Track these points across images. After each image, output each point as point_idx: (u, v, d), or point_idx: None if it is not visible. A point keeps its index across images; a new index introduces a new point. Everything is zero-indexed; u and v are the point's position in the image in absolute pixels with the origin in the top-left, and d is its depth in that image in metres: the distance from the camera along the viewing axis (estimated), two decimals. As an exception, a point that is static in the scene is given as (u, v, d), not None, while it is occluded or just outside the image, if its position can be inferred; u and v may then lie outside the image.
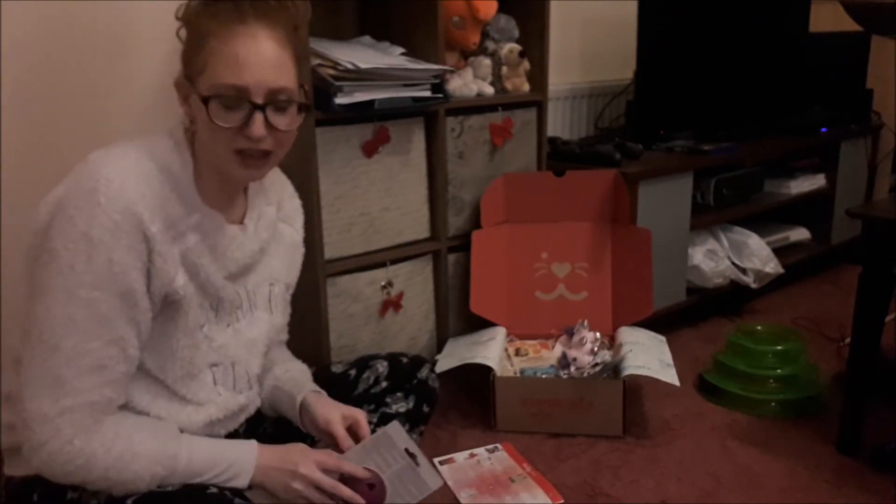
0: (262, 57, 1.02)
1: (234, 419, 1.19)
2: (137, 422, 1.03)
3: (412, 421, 1.37)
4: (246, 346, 1.18)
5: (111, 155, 1.02)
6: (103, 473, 0.98)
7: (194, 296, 1.08)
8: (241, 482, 1.07)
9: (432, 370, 1.48)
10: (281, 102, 1.04)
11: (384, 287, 1.83)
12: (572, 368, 1.84)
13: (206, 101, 1.01)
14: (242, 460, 1.08)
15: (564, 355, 1.87)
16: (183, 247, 1.05)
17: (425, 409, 1.40)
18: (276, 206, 1.23)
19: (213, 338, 1.12)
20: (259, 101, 1.02)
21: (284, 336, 1.38)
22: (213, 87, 1.01)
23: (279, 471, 1.08)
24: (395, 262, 1.85)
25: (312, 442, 1.26)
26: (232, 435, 1.18)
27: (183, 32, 1.07)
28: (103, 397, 0.98)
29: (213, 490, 1.04)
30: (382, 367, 1.42)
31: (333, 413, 1.20)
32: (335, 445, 1.18)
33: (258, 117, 1.02)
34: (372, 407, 1.36)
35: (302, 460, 1.09)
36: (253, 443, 1.11)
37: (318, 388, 1.28)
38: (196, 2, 1.06)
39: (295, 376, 1.30)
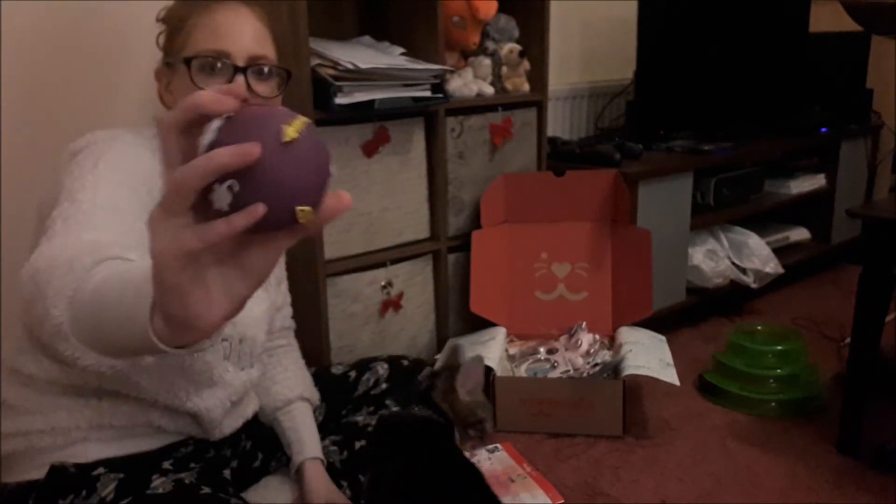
0: (243, 27, 1.05)
1: (242, 404, 1.19)
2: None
3: None
4: (253, 322, 1.17)
5: (110, 131, 1.04)
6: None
7: None
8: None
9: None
10: (262, 68, 1.07)
11: (384, 287, 1.83)
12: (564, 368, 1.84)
13: (188, 62, 1.03)
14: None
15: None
16: None
17: None
18: None
19: None
20: (240, 63, 1.04)
21: (290, 321, 1.38)
22: (195, 52, 1.04)
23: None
24: (395, 262, 1.85)
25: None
26: (232, 435, 1.18)
27: (162, 38, 1.10)
28: (114, 238, 0.82)
29: (207, 490, 1.04)
30: (383, 369, 1.42)
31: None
32: None
33: (239, 79, 1.04)
34: (371, 409, 1.36)
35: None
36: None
37: (317, 454, 1.26)
38: (176, 1, 1.10)
39: (296, 425, 1.28)
